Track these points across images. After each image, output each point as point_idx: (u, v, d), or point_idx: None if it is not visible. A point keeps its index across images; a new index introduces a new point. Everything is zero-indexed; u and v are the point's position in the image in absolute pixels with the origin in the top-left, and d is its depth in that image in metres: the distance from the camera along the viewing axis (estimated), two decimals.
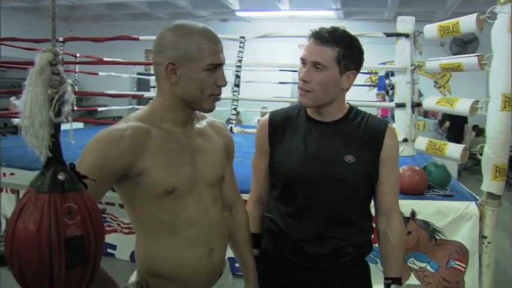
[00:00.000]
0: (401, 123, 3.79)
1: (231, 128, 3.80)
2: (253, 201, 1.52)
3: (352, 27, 1.40)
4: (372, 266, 1.52)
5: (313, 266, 1.38)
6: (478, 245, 2.80)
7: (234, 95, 4.15)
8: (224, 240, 1.29)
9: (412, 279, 2.93)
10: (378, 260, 1.59)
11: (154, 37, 1.17)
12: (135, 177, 1.10)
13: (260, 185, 1.50)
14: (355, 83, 1.38)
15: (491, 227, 2.76)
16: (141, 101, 7.85)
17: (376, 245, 1.46)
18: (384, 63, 7.07)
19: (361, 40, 1.37)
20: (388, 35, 4.04)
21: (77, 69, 6.58)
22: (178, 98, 1.14)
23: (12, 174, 3.76)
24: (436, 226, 2.88)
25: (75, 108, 5.48)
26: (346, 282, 1.40)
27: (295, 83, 7.70)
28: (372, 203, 1.46)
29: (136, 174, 1.09)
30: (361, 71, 1.43)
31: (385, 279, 1.43)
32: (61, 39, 4.98)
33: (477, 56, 2.77)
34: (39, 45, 4.92)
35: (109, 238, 3.47)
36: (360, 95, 6.83)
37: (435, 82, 9.65)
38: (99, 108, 7.79)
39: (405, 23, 3.91)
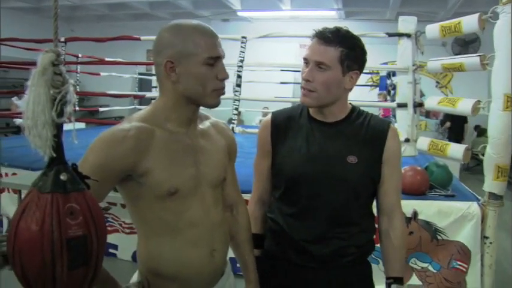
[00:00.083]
0: (403, 124, 3.79)
1: (233, 128, 3.80)
2: (254, 202, 1.52)
3: (353, 27, 1.40)
4: (373, 266, 1.52)
5: (315, 266, 1.38)
6: (480, 245, 2.80)
7: (235, 95, 4.16)
8: (226, 241, 1.29)
9: (414, 280, 2.92)
10: (380, 260, 1.59)
11: (155, 37, 1.17)
12: (138, 178, 1.10)
13: (262, 185, 1.50)
14: (356, 82, 1.38)
15: (493, 228, 2.75)
16: (143, 101, 7.86)
17: (378, 245, 1.46)
18: (386, 63, 7.08)
19: (363, 40, 1.37)
20: (390, 35, 4.04)
21: (78, 70, 6.59)
22: (181, 96, 1.14)
23: (14, 174, 3.76)
24: (438, 226, 2.87)
25: (77, 108, 5.49)
26: (348, 282, 1.40)
27: (297, 83, 7.72)
28: (374, 203, 1.46)
29: (139, 174, 1.09)
30: (363, 71, 1.43)
31: (387, 278, 1.43)
32: (63, 39, 5.00)
33: (479, 56, 2.76)
34: (41, 46, 4.94)
35: (111, 238, 3.47)
36: (361, 95, 6.82)
37: (437, 82, 9.64)
38: (101, 109, 7.80)
39: (407, 23, 3.92)
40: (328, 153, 1.35)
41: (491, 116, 2.64)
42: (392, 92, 6.71)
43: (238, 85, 4.17)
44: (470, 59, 2.89)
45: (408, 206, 2.84)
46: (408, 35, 3.84)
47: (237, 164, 1.41)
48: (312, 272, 1.38)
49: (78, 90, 6.26)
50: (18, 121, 6.63)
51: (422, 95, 4.76)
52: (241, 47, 4.21)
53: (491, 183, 2.68)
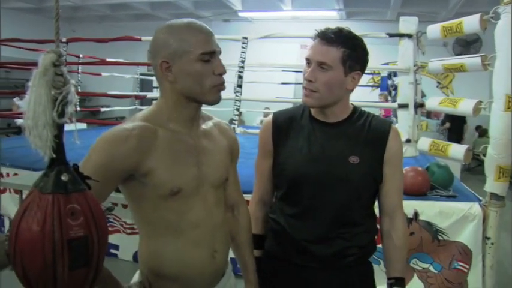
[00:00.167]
0: (404, 124, 3.79)
1: (234, 128, 3.80)
2: (255, 202, 1.52)
3: (354, 28, 1.40)
4: (375, 266, 1.52)
5: (316, 267, 1.38)
6: (482, 246, 2.79)
7: (236, 95, 4.16)
8: (227, 242, 1.29)
9: (415, 280, 2.92)
10: (381, 261, 1.59)
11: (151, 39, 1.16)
12: (141, 178, 1.10)
13: (263, 185, 1.50)
14: (358, 83, 1.37)
15: (494, 228, 2.75)
16: (144, 101, 7.87)
17: (380, 245, 1.46)
18: (387, 64, 7.07)
19: (364, 40, 1.37)
20: (391, 35, 4.04)
21: (79, 70, 6.59)
22: (180, 95, 1.13)
23: (15, 174, 3.76)
24: (439, 227, 2.87)
25: (78, 108, 5.50)
26: (349, 282, 1.40)
27: (298, 83, 7.72)
28: (376, 203, 1.46)
29: (142, 174, 1.09)
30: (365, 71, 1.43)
31: (388, 279, 1.43)
32: (64, 39, 5.00)
33: (480, 56, 2.76)
34: (42, 46, 4.95)
35: (112, 238, 3.48)
36: (362, 95, 6.83)
37: (438, 82, 9.64)
38: (102, 109, 7.81)
39: (408, 24, 3.92)
40: (329, 154, 1.35)
41: (492, 116, 2.64)
42: (393, 92, 6.72)
43: (240, 85, 4.18)
44: (471, 60, 2.89)
45: (409, 206, 2.83)
46: (409, 36, 3.84)
47: (238, 165, 1.41)
48: (313, 272, 1.38)
49: (79, 90, 6.26)
50: (19, 121, 6.63)
51: (423, 95, 4.76)
52: (242, 47, 4.22)
53: (492, 184, 2.68)
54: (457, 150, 2.93)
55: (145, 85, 8.56)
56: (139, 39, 4.64)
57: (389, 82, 7.17)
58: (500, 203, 2.73)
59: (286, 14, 9.62)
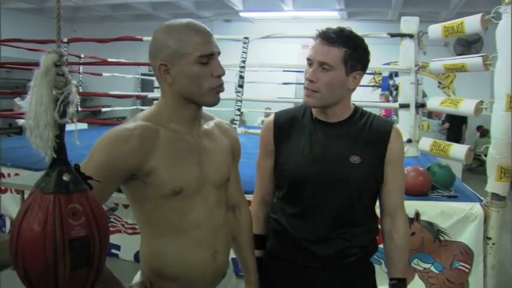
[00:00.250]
0: (405, 124, 3.78)
1: (235, 128, 3.80)
2: (257, 202, 1.52)
3: (356, 28, 1.40)
4: (376, 266, 1.52)
5: (317, 267, 1.38)
6: (483, 246, 2.79)
7: (237, 95, 4.16)
8: (228, 242, 1.29)
9: (417, 280, 2.92)
10: (382, 261, 1.58)
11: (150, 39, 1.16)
12: (143, 177, 1.10)
13: (264, 185, 1.50)
14: (360, 83, 1.37)
15: (496, 228, 2.75)
16: (145, 101, 7.87)
17: (381, 245, 1.45)
18: (388, 64, 7.06)
19: (365, 40, 1.36)
20: (392, 35, 4.04)
21: (81, 70, 6.60)
22: (179, 97, 1.13)
23: (17, 174, 3.77)
24: (441, 227, 2.86)
25: (80, 109, 5.50)
26: (350, 282, 1.40)
27: (299, 83, 7.73)
28: (377, 203, 1.46)
29: (144, 174, 1.09)
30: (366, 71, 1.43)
31: (390, 279, 1.43)
32: (65, 40, 5.00)
33: (481, 56, 2.76)
34: (43, 46, 4.95)
35: (113, 238, 3.48)
36: (363, 95, 6.82)
37: (439, 83, 9.63)
38: (103, 109, 7.81)
39: (409, 24, 3.91)
40: (331, 154, 1.35)
41: (493, 116, 2.64)
42: (394, 92, 6.72)
43: (241, 86, 4.17)
44: (472, 60, 2.89)
45: (410, 206, 2.83)
46: (410, 36, 3.83)
47: (240, 165, 1.41)
48: (314, 272, 1.38)
49: (80, 90, 6.27)
50: (20, 122, 6.65)
51: (424, 95, 4.75)
52: (243, 47, 4.22)
53: (494, 184, 2.68)
54: (459, 151, 2.93)
55: (146, 85, 8.57)
56: (141, 40, 4.64)
57: (391, 82, 7.17)
58: (502, 203, 2.73)
59: (287, 14, 9.62)
